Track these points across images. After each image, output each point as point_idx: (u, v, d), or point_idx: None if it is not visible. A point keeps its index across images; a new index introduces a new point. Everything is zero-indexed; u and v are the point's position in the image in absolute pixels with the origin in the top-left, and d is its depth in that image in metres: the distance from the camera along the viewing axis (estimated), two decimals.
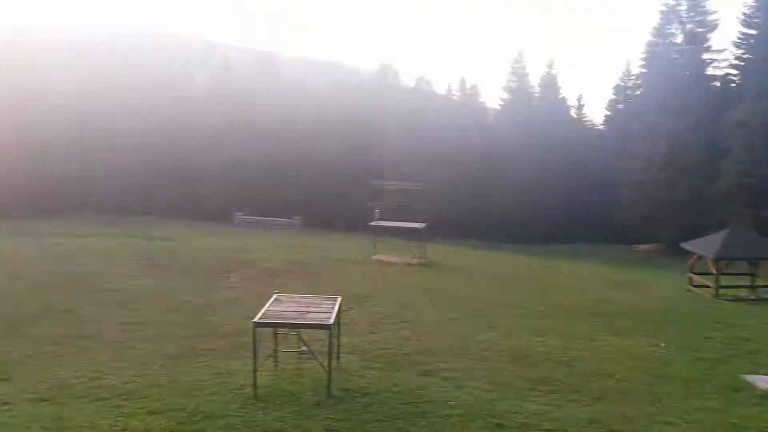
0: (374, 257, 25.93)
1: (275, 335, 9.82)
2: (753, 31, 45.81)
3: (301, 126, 52.08)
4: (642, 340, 13.19)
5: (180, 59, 60.03)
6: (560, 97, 62.29)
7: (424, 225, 26.83)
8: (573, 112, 65.91)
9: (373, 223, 27.08)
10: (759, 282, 21.11)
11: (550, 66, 62.16)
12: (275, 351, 9.90)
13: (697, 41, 49.26)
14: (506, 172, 55.58)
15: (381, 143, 52.14)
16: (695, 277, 21.64)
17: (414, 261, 25.40)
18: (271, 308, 9.66)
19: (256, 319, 8.95)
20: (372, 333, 12.86)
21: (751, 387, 10.40)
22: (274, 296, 10.35)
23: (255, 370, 8.66)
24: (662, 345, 12.62)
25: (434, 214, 35.67)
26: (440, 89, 65.96)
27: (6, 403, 8.41)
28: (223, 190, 48.68)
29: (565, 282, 23.67)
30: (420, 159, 51.09)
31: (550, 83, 61.66)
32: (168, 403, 8.42)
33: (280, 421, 7.73)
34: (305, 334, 10.29)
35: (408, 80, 65.86)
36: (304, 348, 10.12)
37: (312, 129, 52.20)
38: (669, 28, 50.74)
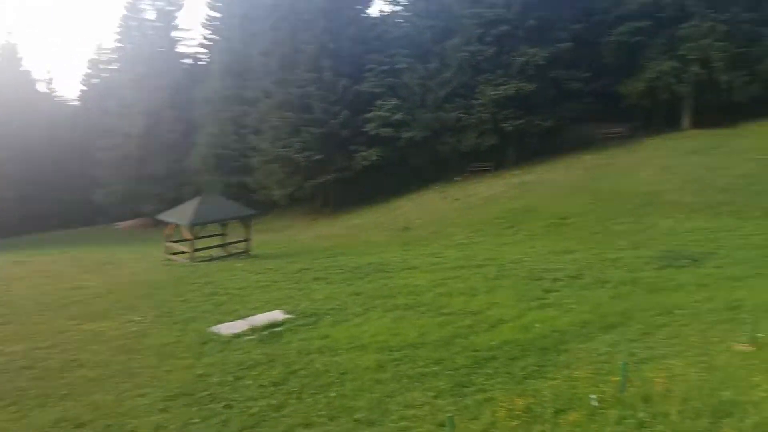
0: None
1: None
2: (218, 14, 50.44)
3: None
4: (119, 320, 12.92)
5: None
6: (23, 69, 55.18)
7: None
8: (41, 86, 59.77)
9: None
10: (228, 240, 23.81)
11: (9, 33, 54.18)
12: None
13: (167, 19, 51.10)
14: None
15: None
16: (173, 245, 22.66)
17: None
18: None
19: None
20: None
21: (217, 337, 11.48)
22: None
23: None
24: (137, 319, 12.68)
25: None
26: None
27: None
28: None
29: (44, 273, 21.14)
30: None
31: (10, 53, 53.97)
32: None
33: None
34: None
35: None
36: None
37: None
38: (141, 4, 50.88)
